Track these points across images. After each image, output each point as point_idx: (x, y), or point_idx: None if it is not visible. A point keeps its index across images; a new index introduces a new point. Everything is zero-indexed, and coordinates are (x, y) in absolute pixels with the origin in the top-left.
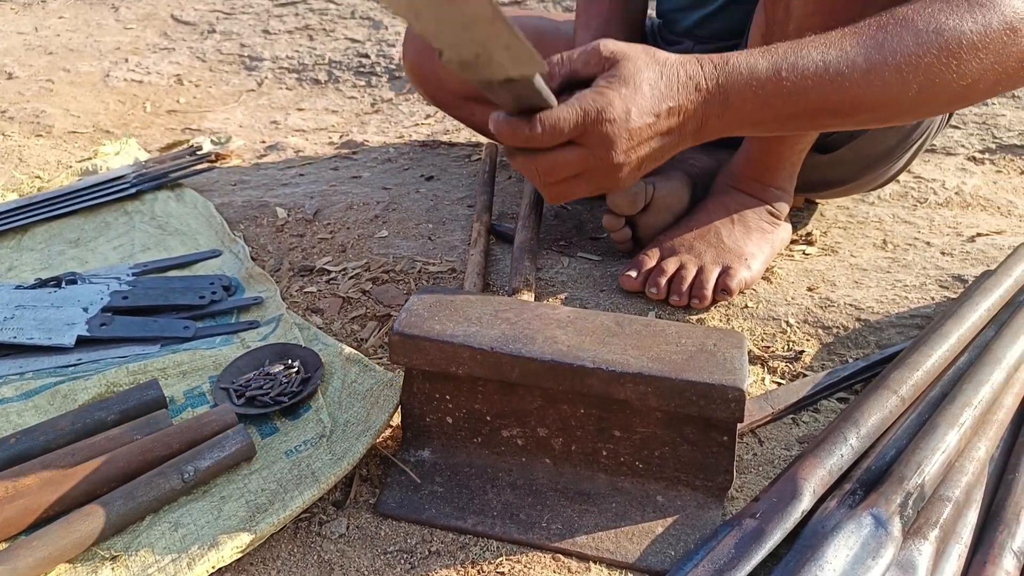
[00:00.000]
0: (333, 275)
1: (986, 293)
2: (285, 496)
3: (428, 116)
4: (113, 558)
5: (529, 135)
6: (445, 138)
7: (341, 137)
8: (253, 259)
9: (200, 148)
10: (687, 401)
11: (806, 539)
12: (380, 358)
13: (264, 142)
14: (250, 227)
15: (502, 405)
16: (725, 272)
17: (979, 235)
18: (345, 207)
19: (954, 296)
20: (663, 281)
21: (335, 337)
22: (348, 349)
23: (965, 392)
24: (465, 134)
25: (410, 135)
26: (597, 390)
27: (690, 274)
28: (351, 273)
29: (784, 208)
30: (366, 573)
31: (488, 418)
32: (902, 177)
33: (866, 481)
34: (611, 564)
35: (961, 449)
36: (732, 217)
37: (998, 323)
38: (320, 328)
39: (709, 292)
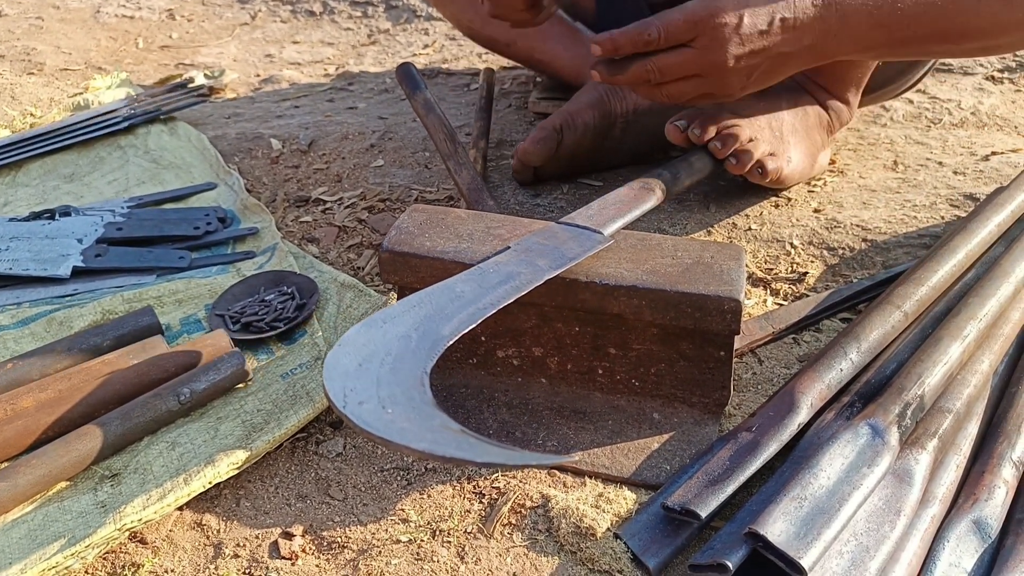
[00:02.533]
0: (328, 205)
1: (997, 208)
2: (280, 415)
3: (426, 46)
4: (112, 476)
5: (645, 37)
6: (443, 67)
7: (337, 69)
8: (248, 191)
9: (193, 81)
10: (682, 314)
11: (801, 450)
12: (376, 284)
13: (259, 76)
14: (245, 159)
15: (496, 324)
16: (770, 154)
17: (994, 154)
18: (340, 137)
19: (964, 215)
20: (713, 129)
21: (331, 266)
22: (343, 276)
23: (971, 306)
24: (463, 63)
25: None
26: (591, 305)
27: (744, 136)
28: (347, 203)
29: (843, 121)
30: (363, 489)
31: (483, 338)
32: (916, 98)
33: (865, 394)
34: (606, 479)
35: (964, 362)
36: (797, 112)
37: (1008, 239)
38: (316, 257)
39: (752, 161)
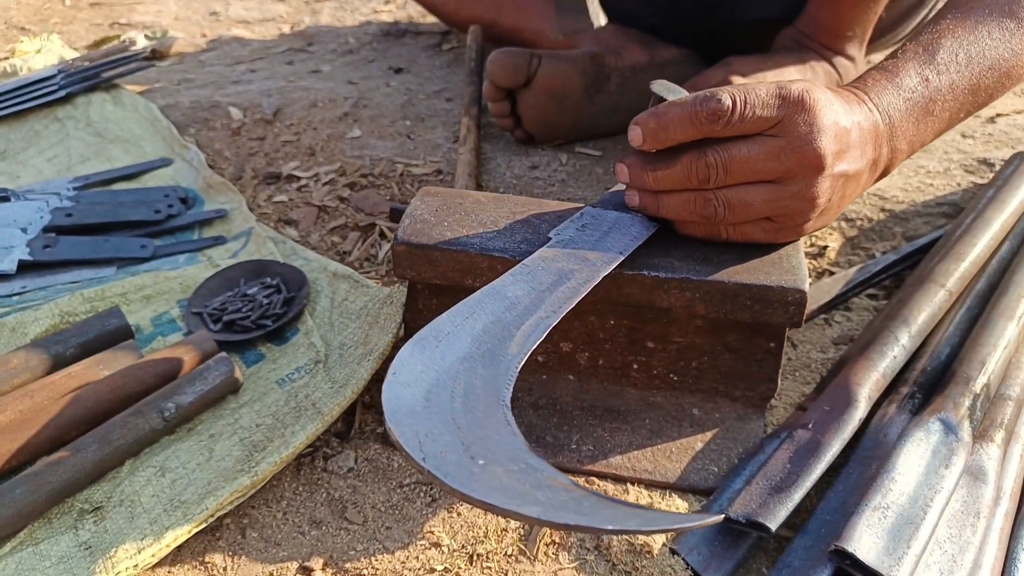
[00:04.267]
0: (304, 182)
1: (1023, 176)
2: (284, 431)
3: (387, 1)
4: (94, 509)
5: (716, 110)
6: (410, 25)
7: (292, 28)
8: (210, 167)
9: (134, 44)
10: (740, 307)
11: (866, 449)
12: (368, 272)
13: (205, 36)
14: (201, 131)
15: None
16: None
17: (999, 115)
18: (308, 105)
19: (982, 181)
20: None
21: (314, 251)
22: (334, 264)
23: (1017, 282)
24: (432, 19)
25: (369, 23)
26: (637, 299)
27: None
28: (324, 179)
29: (850, 78)
30: (383, 509)
31: None
32: None
33: (924, 383)
34: (650, 485)
35: (1020, 344)
36: (805, 70)
37: None
38: (296, 242)
39: None
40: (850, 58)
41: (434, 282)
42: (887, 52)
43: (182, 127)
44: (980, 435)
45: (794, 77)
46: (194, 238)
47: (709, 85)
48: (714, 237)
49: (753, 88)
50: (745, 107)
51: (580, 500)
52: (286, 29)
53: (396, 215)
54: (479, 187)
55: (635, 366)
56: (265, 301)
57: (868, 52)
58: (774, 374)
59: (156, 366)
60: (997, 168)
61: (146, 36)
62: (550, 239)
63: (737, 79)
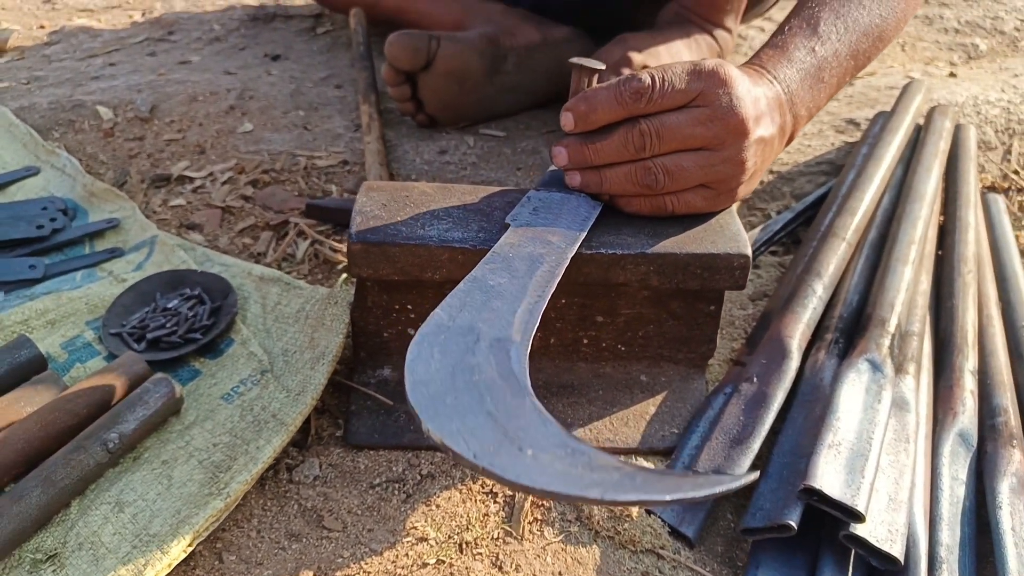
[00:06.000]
0: (199, 182)
1: (894, 132)
2: (247, 447)
3: None
4: (49, 557)
5: (638, 88)
6: (275, 9)
7: (144, 15)
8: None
9: None
10: (691, 276)
11: (806, 394)
12: (289, 272)
13: (43, 27)
14: (67, 134)
15: None
16: None
17: (856, 79)
18: (187, 99)
19: (852, 139)
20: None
21: (226, 255)
22: (258, 267)
23: (905, 230)
24: (301, 1)
25: (233, 8)
26: (595, 277)
27: None
28: (222, 178)
29: (729, 49)
30: (359, 512)
31: None
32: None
33: (844, 329)
34: (614, 452)
35: (915, 285)
36: (691, 43)
37: (904, 161)
38: (206, 247)
39: None
40: (728, 30)
41: (393, 278)
42: (756, 22)
43: (43, 131)
44: (898, 369)
45: (681, 50)
46: (86, 252)
47: (612, 60)
48: (659, 211)
49: (670, 66)
50: (664, 83)
51: (632, 477)
52: (138, 17)
53: (313, 211)
54: (391, 176)
55: (585, 341)
56: (190, 314)
57: (742, 22)
58: (713, 335)
59: (87, 396)
60: (863, 127)
61: None
62: (508, 225)
63: (634, 54)
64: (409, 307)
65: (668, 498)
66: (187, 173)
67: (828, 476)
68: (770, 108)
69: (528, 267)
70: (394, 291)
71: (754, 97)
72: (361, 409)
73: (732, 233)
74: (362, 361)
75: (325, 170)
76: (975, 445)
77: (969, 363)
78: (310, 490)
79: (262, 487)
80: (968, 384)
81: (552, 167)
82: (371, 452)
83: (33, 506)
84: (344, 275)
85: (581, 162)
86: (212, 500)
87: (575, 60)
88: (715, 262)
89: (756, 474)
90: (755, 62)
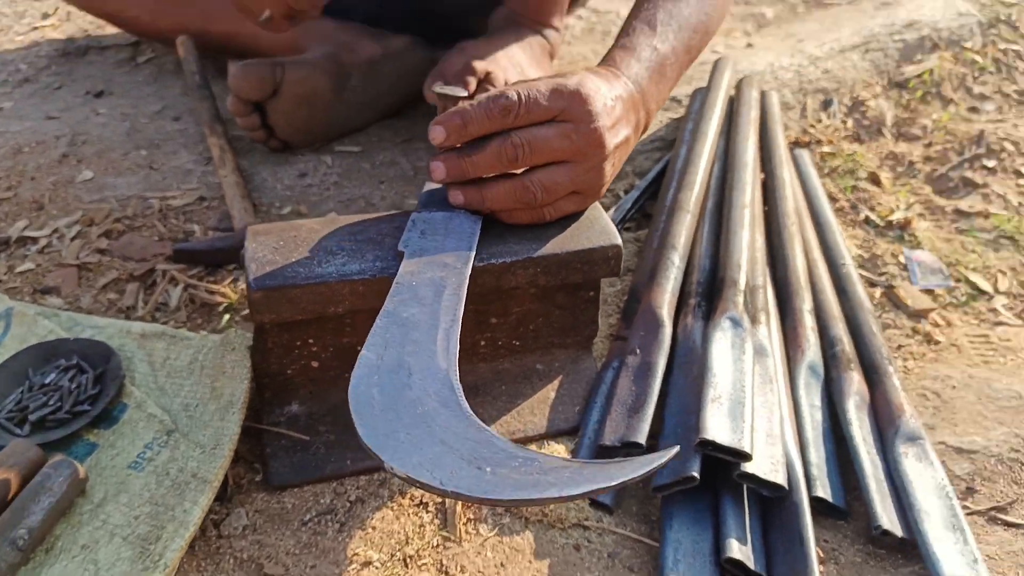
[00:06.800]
0: (44, 241)
1: (712, 108)
2: (174, 511)
3: (47, 16)
4: None
5: (503, 103)
6: (86, 41)
7: None
8: None
9: None
10: (573, 271)
11: (682, 356)
12: (165, 322)
13: None
14: None
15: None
16: None
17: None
18: (11, 152)
19: (676, 115)
20: (474, 81)
21: (96, 316)
22: (136, 324)
23: (737, 196)
24: (113, 30)
25: (37, 44)
26: (488, 285)
27: (499, 80)
28: (70, 233)
29: (557, 45)
30: (297, 552)
31: (359, 348)
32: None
33: (703, 293)
34: (527, 440)
35: (752, 243)
36: (524, 45)
37: (724, 133)
38: (68, 311)
39: None
40: (556, 28)
41: (295, 319)
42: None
43: None
44: (753, 321)
45: (517, 53)
46: None
47: (454, 71)
48: (538, 220)
49: (535, 85)
50: (529, 100)
51: (580, 471)
52: None
53: (182, 255)
54: (255, 207)
55: (483, 343)
56: (72, 385)
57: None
58: (595, 317)
59: None
60: (685, 103)
61: None
62: (402, 253)
63: (477, 63)
64: (311, 341)
65: (615, 483)
66: (28, 233)
67: (716, 427)
68: (626, 110)
69: (434, 293)
70: (294, 329)
71: (610, 106)
72: (277, 449)
73: (602, 226)
74: (268, 401)
75: (182, 210)
76: (823, 374)
77: (806, 304)
78: (242, 541)
79: (192, 549)
80: (808, 322)
81: (429, 186)
82: (295, 490)
83: None
84: (227, 317)
85: (459, 175)
86: (149, 574)
87: (439, 89)
88: (592, 255)
89: (676, 448)
90: (609, 64)
